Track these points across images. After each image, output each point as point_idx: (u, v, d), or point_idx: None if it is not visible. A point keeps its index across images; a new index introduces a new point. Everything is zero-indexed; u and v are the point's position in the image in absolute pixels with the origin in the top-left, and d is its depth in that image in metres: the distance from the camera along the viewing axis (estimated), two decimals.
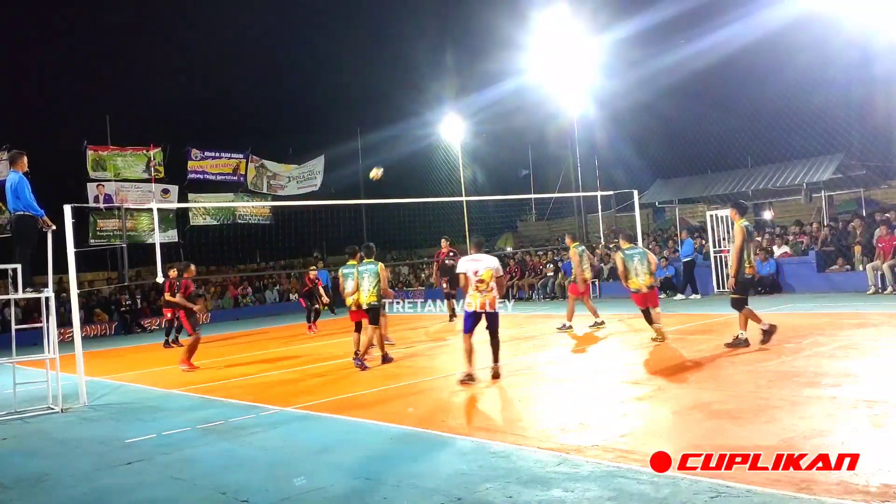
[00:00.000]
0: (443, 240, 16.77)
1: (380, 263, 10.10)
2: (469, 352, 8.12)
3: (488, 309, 7.98)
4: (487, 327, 8.14)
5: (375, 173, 14.03)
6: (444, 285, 16.09)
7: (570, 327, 12.44)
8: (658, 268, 18.90)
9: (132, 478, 5.48)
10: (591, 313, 12.53)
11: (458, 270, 8.22)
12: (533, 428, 5.96)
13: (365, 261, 10.23)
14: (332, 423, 6.90)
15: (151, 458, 6.00)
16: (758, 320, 8.93)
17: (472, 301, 8.00)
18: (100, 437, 7.09)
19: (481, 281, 7.91)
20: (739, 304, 8.95)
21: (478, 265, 8.03)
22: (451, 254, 15.59)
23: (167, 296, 14.16)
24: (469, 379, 7.98)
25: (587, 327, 12.31)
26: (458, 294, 15.88)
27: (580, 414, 6.33)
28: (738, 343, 8.86)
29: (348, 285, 10.14)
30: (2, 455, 6.73)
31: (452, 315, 15.52)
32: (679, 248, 18.63)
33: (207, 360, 12.52)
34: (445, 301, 15.93)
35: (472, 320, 8.11)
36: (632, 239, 11.28)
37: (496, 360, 8.26)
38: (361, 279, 10.01)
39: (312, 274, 17.15)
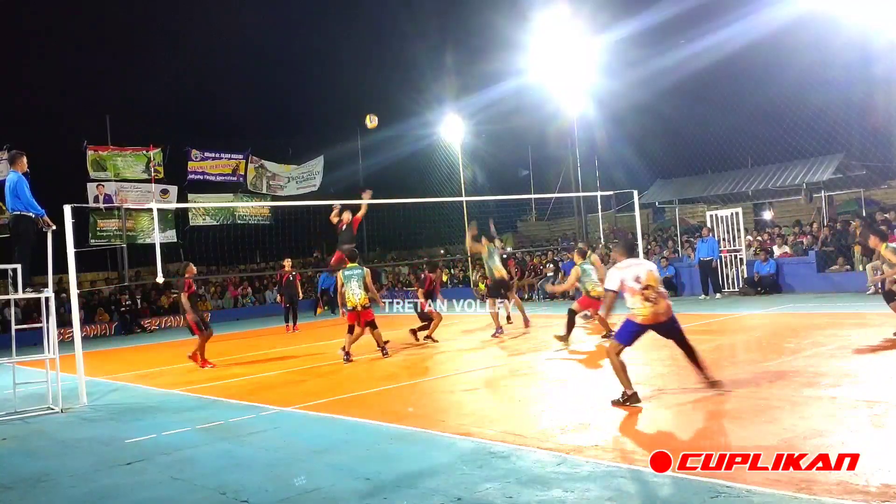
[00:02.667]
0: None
1: (365, 268, 10.97)
2: (621, 368, 6.52)
3: (663, 319, 6.51)
4: (675, 340, 6.76)
5: (371, 121, 14.02)
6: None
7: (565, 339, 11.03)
8: (658, 268, 18.96)
9: (132, 478, 5.48)
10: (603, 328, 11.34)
11: (609, 286, 6.70)
12: (533, 428, 5.96)
13: (350, 265, 10.96)
14: (332, 423, 6.90)
15: (151, 458, 6.00)
16: None
17: (641, 312, 6.46)
18: (100, 437, 7.09)
19: (647, 287, 6.44)
20: None
21: (638, 270, 6.54)
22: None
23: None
24: (634, 400, 6.40)
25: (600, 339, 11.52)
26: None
27: (580, 414, 6.32)
28: None
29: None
30: (2, 455, 6.73)
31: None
32: (695, 247, 18.35)
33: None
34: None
35: (634, 334, 6.58)
36: (584, 253, 11.55)
37: (707, 374, 6.77)
38: (349, 282, 10.78)
39: (287, 264, 17.28)
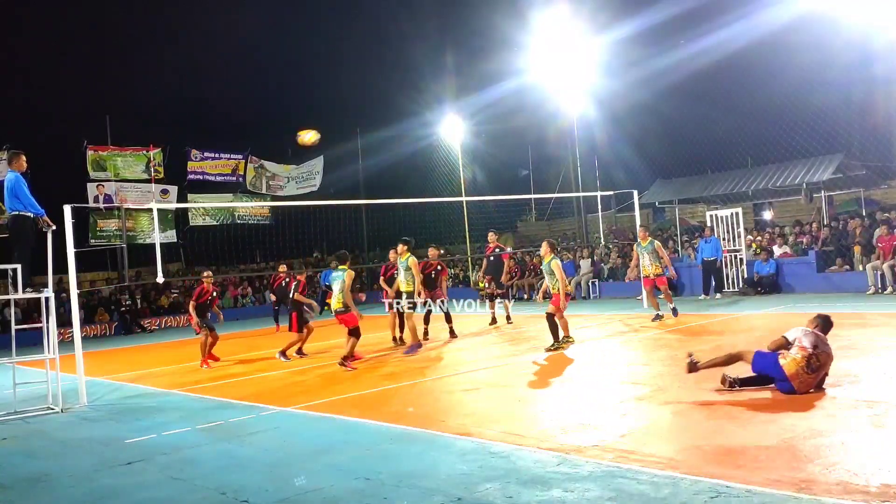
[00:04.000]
0: (490, 233, 16.12)
1: (348, 271, 10.31)
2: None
3: (800, 391, 6.29)
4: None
5: (305, 138, 13.71)
6: (486, 284, 15.16)
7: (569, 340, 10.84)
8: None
9: (132, 478, 5.48)
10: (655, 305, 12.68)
11: (791, 336, 6.52)
12: (533, 428, 5.96)
13: (339, 267, 10.46)
14: (332, 423, 6.89)
15: (151, 458, 6.00)
16: None
17: (789, 370, 6.28)
18: (100, 437, 7.09)
19: (813, 358, 6.32)
20: None
21: (817, 341, 6.43)
22: (498, 249, 14.74)
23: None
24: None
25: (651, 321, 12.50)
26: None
27: (580, 414, 6.32)
28: None
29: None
30: (2, 455, 6.73)
31: (494, 320, 14.61)
32: (697, 247, 18.33)
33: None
34: (488, 302, 14.85)
35: (766, 371, 6.56)
36: (555, 247, 11.04)
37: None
38: (333, 283, 10.47)
39: (282, 269, 17.32)
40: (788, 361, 6.31)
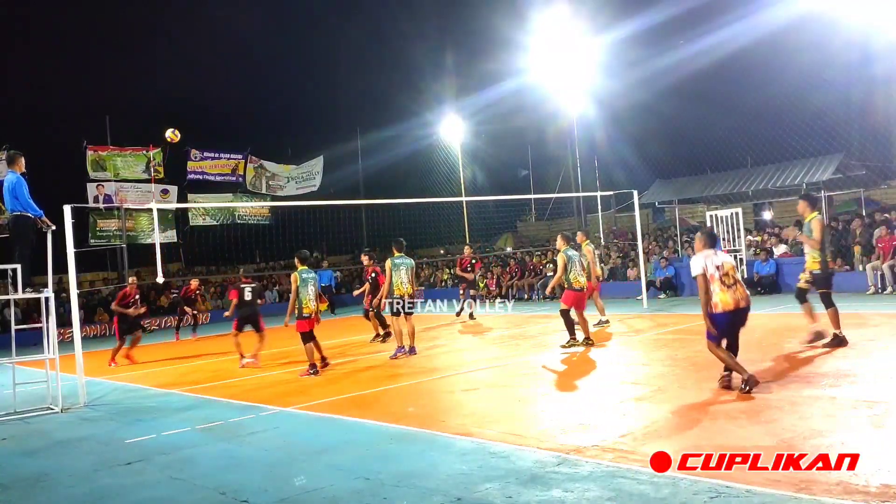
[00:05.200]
0: (466, 247, 17.54)
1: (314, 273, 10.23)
2: (729, 357, 6.76)
3: (742, 304, 6.73)
4: (734, 332, 6.89)
5: (174, 135, 13.90)
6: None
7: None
8: (658, 268, 18.98)
9: (132, 478, 5.48)
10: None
11: (694, 272, 6.86)
12: (533, 428, 5.96)
13: (303, 268, 10.10)
14: (332, 423, 6.89)
15: (151, 458, 6.00)
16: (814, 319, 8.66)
17: (721, 299, 6.67)
18: (100, 437, 7.09)
19: (726, 274, 6.75)
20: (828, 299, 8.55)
21: (718, 259, 6.84)
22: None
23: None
24: (753, 382, 6.49)
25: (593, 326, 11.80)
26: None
27: (580, 414, 6.32)
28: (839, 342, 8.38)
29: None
30: (2, 455, 6.73)
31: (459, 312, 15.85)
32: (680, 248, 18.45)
33: (207, 360, 12.53)
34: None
35: (723, 324, 6.73)
36: (569, 240, 11.03)
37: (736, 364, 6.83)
38: (307, 287, 9.97)
39: (194, 285, 17.58)
40: (718, 299, 6.69)
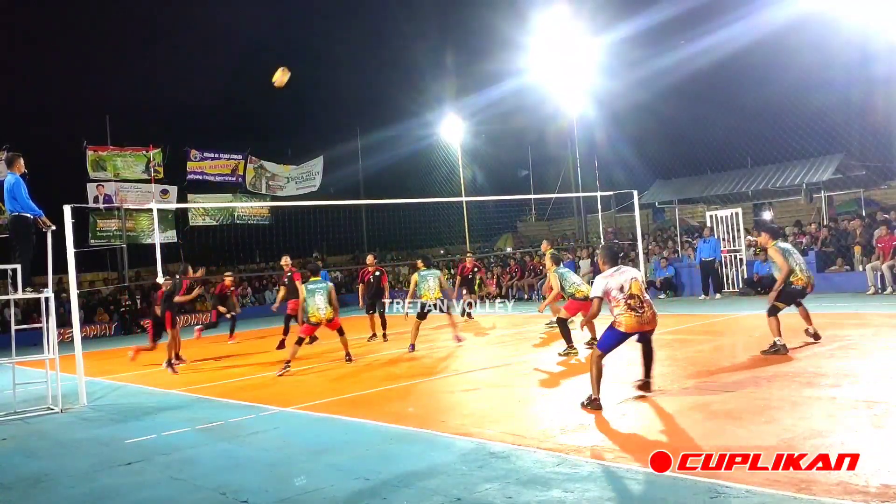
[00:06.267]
0: (469, 257, 17.43)
1: (329, 283, 10.52)
2: (599, 376, 6.55)
3: (647, 328, 6.60)
4: (643, 344, 6.89)
5: (281, 75, 13.21)
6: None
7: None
8: (658, 268, 18.98)
9: (132, 478, 5.48)
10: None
11: (594, 293, 6.67)
12: (533, 428, 5.96)
13: (312, 279, 10.51)
14: (332, 423, 6.89)
15: (151, 458, 6.00)
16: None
17: (625, 321, 6.47)
18: (100, 438, 7.09)
19: (632, 296, 6.48)
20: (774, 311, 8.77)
21: (622, 278, 6.56)
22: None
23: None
24: (596, 406, 6.45)
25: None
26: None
27: (580, 414, 6.32)
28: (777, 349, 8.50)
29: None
30: (2, 455, 6.73)
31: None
32: (696, 248, 18.33)
33: (207, 361, 12.53)
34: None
35: (617, 341, 6.63)
36: (557, 260, 10.80)
37: (649, 374, 6.94)
38: (313, 296, 10.32)
39: (228, 281, 16.75)
40: (623, 320, 6.46)
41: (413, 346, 11.48)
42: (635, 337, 6.69)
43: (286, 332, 13.28)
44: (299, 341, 10.40)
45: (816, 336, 9.04)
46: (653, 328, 6.64)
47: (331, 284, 10.57)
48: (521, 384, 8.07)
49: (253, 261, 29.74)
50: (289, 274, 13.63)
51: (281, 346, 12.95)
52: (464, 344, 11.76)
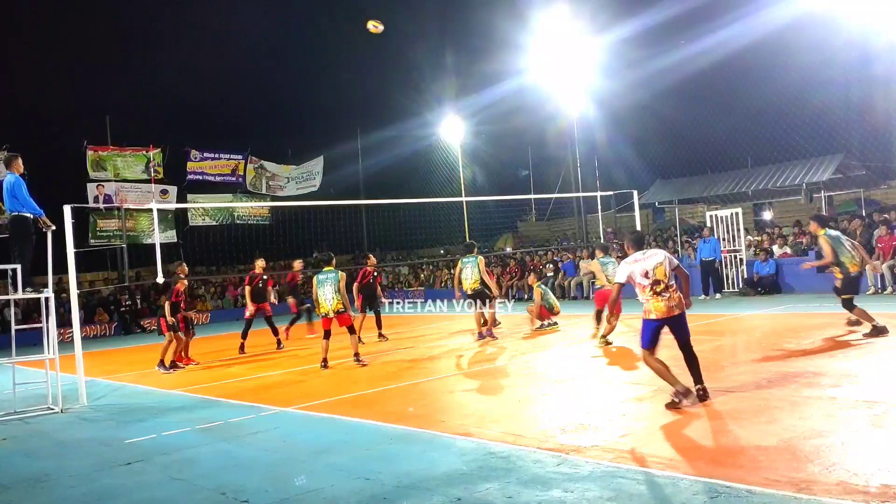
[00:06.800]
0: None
1: (340, 272, 10.39)
2: (664, 369, 6.38)
3: (676, 312, 6.35)
4: (677, 338, 6.51)
5: (375, 26, 13.64)
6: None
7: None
8: None
9: (132, 478, 5.48)
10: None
11: (618, 279, 6.60)
12: (533, 428, 5.96)
13: (325, 269, 10.43)
14: (332, 423, 6.89)
15: (151, 458, 6.00)
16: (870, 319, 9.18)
17: (654, 307, 6.34)
18: (100, 438, 7.09)
19: (657, 282, 6.32)
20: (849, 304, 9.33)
21: (644, 264, 6.40)
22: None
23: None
24: (683, 396, 6.20)
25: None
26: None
27: (580, 414, 6.32)
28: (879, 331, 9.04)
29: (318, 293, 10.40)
30: (2, 455, 6.73)
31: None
32: (696, 248, 18.32)
33: (207, 360, 12.53)
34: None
35: (654, 331, 6.41)
36: (605, 249, 11.89)
37: (700, 379, 6.44)
38: (322, 287, 10.27)
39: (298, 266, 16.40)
40: (651, 307, 6.33)
41: (481, 334, 12.00)
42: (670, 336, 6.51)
43: (245, 335, 13.42)
44: (326, 335, 10.46)
45: (858, 323, 9.46)
46: (682, 311, 6.40)
47: (342, 274, 10.38)
48: (521, 384, 8.07)
49: (253, 261, 29.71)
50: (263, 277, 13.52)
51: (241, 349, 13.18)
52: (491, 341, 11.87)
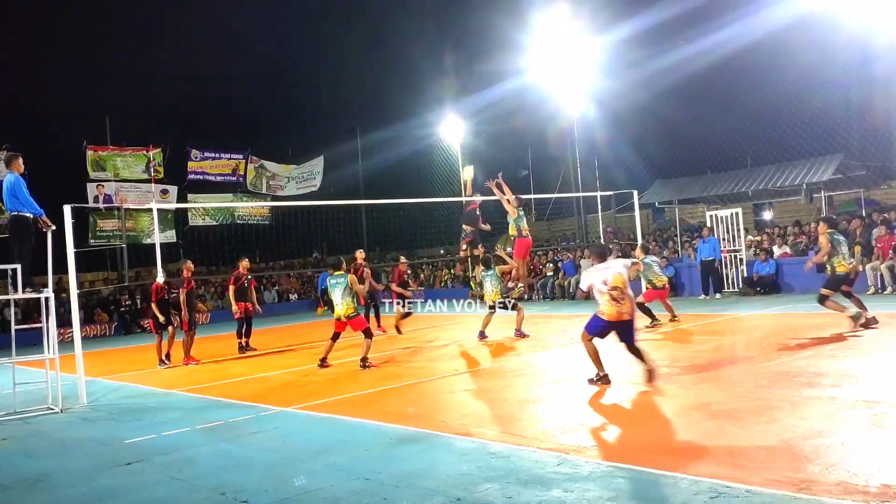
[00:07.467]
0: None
1: (350, 275, 10.37)
2: (595, 353, 7.50)
3: (625, 318, 7.24)
4: (623, 341, 7.42)
5: (467, 175, 14.61)
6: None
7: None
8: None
9: (132, 478, 5.48)
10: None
11: (582, 285, 7.62)
12: (533, 428, 5.96)
13: (335, 273, 10.43)
14: (332, 423, 6.90)
15: (151, 458, 6.00)
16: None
17: (607, 310, 7.25)
18: (99, 438, 7.09)
19: (614, 288, 7.18)
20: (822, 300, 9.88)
21: (604, 273, 7.29)
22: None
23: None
24: (605, 381, 7.41)
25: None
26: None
27: (580, 414, 6.33)
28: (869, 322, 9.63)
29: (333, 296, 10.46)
30: (2, 455, 6.73)
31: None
32: (696, 248, 18.33)
33: (207, 361, 12.53)
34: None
35: (600, 328, 7.39)
36: (646, 249, 13.06)
37: (648, 362, 7.27)
38: (333, 291, 10.29)
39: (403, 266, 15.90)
40: (605, 309, 7.24)
41: (519, 332, 12.16)
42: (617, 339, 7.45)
43: (239, 335, 13.51)
44: (334, 336, 10.49)
45: (874, 320, 9.79)
46: (631, 318, 7.29)
47: (351, 277, 10.32)
48: (521, 384, 8.07)
49: (253, 261, 29.73)
50: (248, 277, 13.57)
51: (241, 349, 13.30)
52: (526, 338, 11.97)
